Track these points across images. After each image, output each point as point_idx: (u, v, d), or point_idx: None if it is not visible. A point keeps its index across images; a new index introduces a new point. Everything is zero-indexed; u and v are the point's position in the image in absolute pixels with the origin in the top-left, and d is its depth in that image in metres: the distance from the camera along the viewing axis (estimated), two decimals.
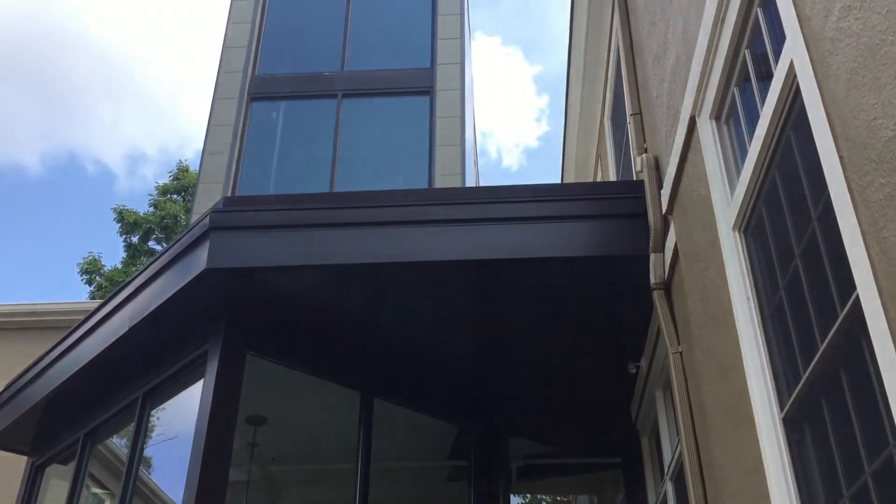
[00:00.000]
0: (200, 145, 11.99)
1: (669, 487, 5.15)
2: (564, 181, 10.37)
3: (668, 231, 4.28)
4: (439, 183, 10.85)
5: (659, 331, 4.62)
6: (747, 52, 3.03)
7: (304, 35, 13.28)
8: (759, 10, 2.87)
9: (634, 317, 5.07)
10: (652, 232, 4.36)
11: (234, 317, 4.87)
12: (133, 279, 5.22)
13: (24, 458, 7.00)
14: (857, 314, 2.04)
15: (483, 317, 5.30)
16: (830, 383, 2.34)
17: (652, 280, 4.41)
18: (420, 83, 12.06)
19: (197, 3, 48.86)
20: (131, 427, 5.47)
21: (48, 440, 6.61)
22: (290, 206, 4.89)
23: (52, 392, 5.88)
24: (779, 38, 2.61)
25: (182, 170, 25.24)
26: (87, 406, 6.00)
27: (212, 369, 4.73)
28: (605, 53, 7.60)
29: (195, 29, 49.65)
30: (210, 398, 4.62)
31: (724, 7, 3.07)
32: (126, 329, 5.09)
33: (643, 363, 5.46)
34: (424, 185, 10.97)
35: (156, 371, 5.33)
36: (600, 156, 8.65)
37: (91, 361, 5.45)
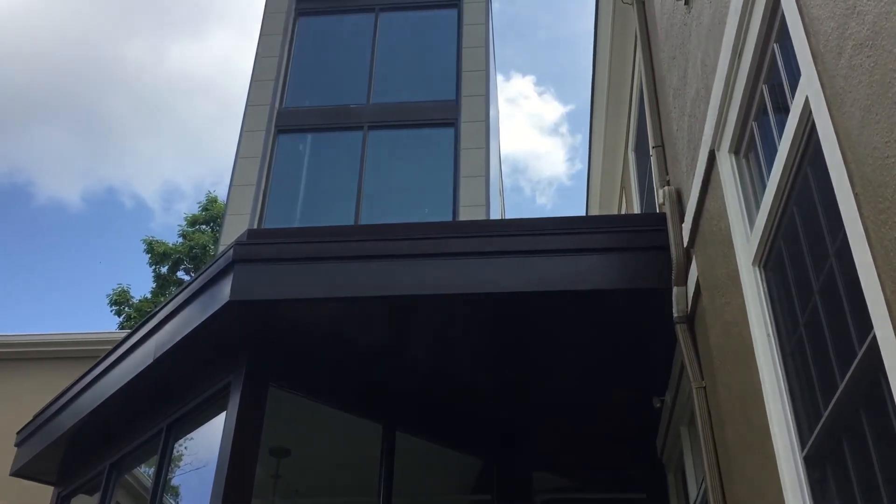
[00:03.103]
0: None
1: None
2: (589, 212, 10.35)
3: (690, 264, 4.25)
4: (464, 214, 10.89)
5: (683, 365, 4.57)
6: (765, 87, 3.02)
7: (330, 68, 13.47)
8: (775, 45, 2.87)
9: (659, 350, 5.02)
10: (674, 265, 4.34)
11: (256, 349, 4.91)
12: (158, 311, 5.27)
13: (50, 489, 7.05)
14: (875, 353, 2.01)
15: (506, 350, 5.28)
16: (851, 422, 2.31)
17: (675, 313, 4.37)
18: (445, 115, 12.16)
19: (235, 39, 49.69)
20: (156, 458, 5.50)
21: (74, 470, 6.66)
22: (312, 239, 4.93)
23: (79, 422, 5.94)
24: (795, 72, 2.60)
25: (211, 200, 25.46)
26: (113, 436, 6.05)
27: (234, 401, 4.76)
28: (629, 85, 7.62)
29: (233, 66, 50.52)
30: (232, 430, 4.64)
31: (741, 41, 3.08)
32: (151, 360, 5.14)
33: (667, 397, 5.40)
34: (449, 217, 11.01)
35: (179, 402, 5.37)
36: (624, 187, 8.63)
37: (117, 392, 5.50)
